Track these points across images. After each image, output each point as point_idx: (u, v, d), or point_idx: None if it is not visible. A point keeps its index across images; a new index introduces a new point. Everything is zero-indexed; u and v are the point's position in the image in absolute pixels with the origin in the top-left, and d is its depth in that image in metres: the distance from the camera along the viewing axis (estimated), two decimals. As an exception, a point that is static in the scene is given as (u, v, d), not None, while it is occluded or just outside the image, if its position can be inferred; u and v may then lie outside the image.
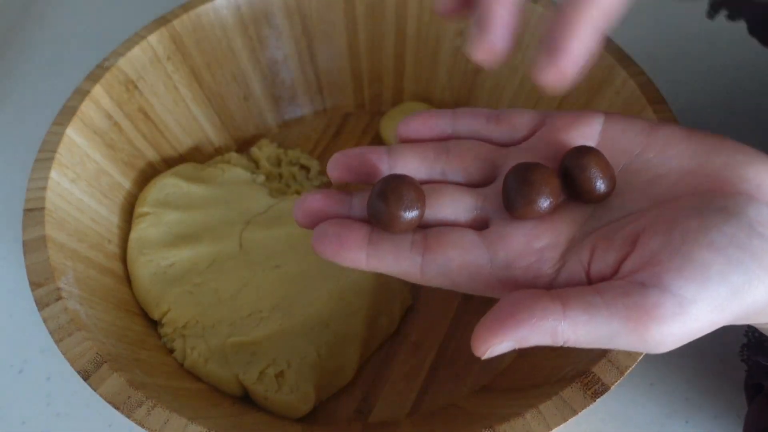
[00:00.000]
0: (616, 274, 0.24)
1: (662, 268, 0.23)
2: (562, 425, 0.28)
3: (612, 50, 0.39)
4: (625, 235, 0.25)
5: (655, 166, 0.27)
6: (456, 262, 0.26)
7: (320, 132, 0.48)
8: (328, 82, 0.48)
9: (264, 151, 0.46)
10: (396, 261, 0.26)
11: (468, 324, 0.39)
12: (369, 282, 0.38)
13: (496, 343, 0.23)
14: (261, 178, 0.43)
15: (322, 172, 0.46)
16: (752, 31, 0.39)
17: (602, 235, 0.25)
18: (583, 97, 0.40)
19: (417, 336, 0.39)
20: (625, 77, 0.38)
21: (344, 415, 0.36)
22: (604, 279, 0.24)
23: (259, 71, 0.46)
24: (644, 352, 0.23)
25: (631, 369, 0.29)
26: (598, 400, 0.28)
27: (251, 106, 0.47)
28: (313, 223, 0.27)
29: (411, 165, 0.29)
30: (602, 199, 0.26)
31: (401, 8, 0.45)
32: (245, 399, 0.35)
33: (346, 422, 0.36)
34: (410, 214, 0.26)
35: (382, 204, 0.26)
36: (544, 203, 0.26)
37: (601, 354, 0.29)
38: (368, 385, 0.37)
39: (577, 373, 0.29)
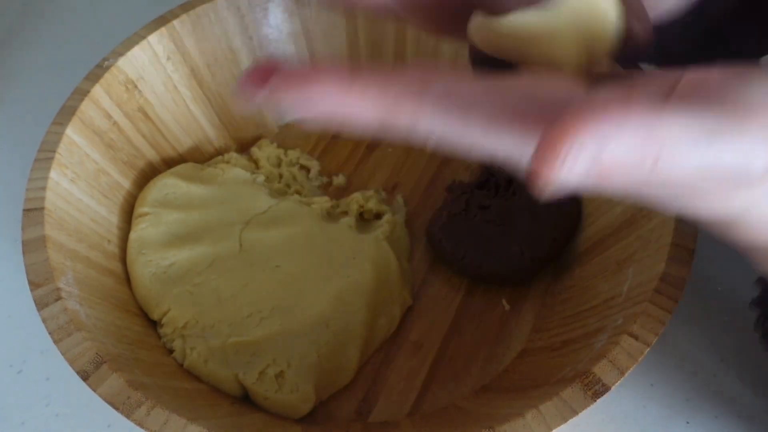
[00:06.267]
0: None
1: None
2: (562, 425, 0.28)
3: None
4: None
5: None
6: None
7: (320, 132, 0.48)
8: (328, 82, 0.48)
9: (264, 151, 0.46)
10: None
11: (468, 324, 0.39)
12: (369, 282, 0.38)
13: (573, 148, 0.16)
14: (261, 178, 0.43)
15: (322, 172, 0.46)
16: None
17: None
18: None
19: (417, 336, 0.39)
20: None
21: (344, 415, 0.36)
22: None
23: (259, 71, 0.46)
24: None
25: (631, 369, 0.29)
26: (598, 400, 0.28)
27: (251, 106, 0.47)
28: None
29: None
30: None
31: (401, 8, 0.45)
32: (245, 399, 0.35)
33: (346, 422, 0.36)
34: None
35: None
36: None
37: (601, 354, 0.29)
38: (368, 385, 0.37)
39: (577, 373, 0.29)
